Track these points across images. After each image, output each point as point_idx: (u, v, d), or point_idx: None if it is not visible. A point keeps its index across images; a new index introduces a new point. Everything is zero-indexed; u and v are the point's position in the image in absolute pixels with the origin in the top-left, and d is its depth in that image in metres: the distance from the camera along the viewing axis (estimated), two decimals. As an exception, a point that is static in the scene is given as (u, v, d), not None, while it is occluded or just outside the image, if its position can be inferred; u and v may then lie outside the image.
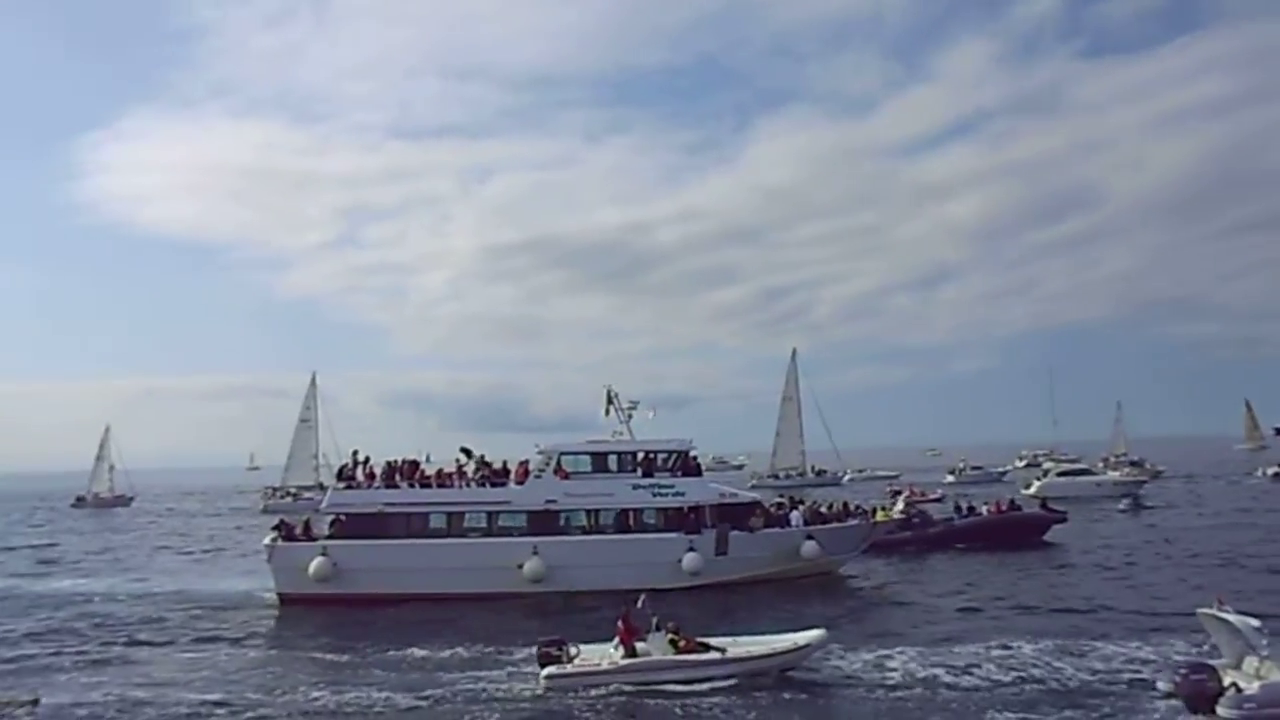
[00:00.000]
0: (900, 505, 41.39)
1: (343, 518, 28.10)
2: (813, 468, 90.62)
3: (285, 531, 28.06)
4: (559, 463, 28.63)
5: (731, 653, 17.08)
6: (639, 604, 17.79)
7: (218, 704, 16.26)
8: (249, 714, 15.80)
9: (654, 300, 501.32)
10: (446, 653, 19.67)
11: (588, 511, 28.39)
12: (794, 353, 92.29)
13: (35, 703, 14.05)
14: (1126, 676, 16.53)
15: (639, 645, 17.05)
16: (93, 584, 32.15)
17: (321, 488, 55.25)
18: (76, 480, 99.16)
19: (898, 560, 34.17)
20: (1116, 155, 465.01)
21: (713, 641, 17.29)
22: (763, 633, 18.46)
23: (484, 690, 16.74)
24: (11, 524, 69.02)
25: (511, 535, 27.81)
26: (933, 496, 58.86)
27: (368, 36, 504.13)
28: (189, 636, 22.79)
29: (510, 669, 18.12)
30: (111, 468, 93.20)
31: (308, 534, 28.11)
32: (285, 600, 26.98)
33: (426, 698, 16.39)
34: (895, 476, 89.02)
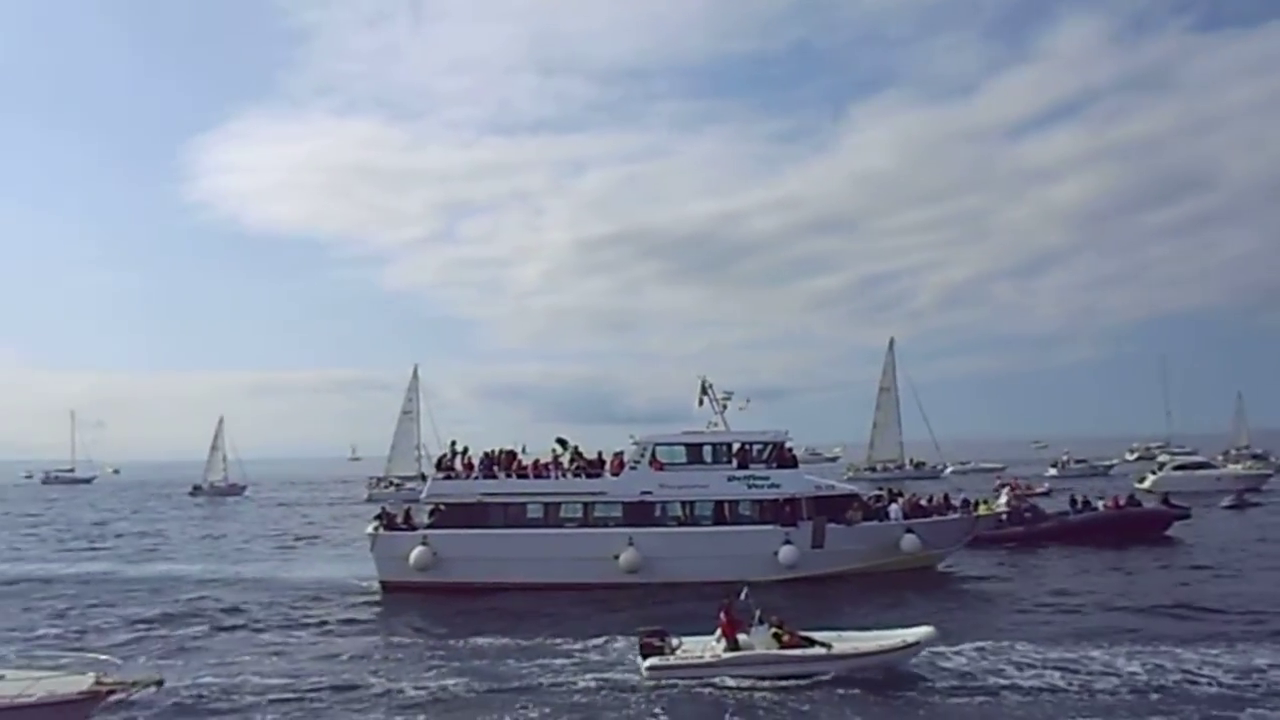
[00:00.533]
0: (1004, 499, 40.00)
1: (442, 507, 28.56)
2: (911, 460, 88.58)
3: (387, 521, 28.69)
4: (654, 454, 28.53)
5: (837, 648, 16.72)
6: (741, 596, 17.47)
7: (328, 688, 16.64)
8: (358, 699, 16.10)
9: (748, 290, 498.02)
10: (548, 641, 19.71)
11: (683, 503, 28.23)
12: (891, 342, 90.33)
13: (160, 683, 14.28)
14: (1263, 687, 15.47)
15: (741, 638, 16.79)
16: (207, 569, 33.49)
17: (423, 478, 56.50)
18: (193, 469, 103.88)
19: (1005, 556, 32.90)
20: (1232, 133, 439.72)
21: (817, 636, 16.91)
22: (862, 628, 18.05)
23: (586, 679, 16.70)
24: (133, 510, 72.79)
25: (607, 526, 27.84)
26: (1039, 490, 56.75)
27: (461, 35, 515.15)
28: (298, 622, 23.42)
29: (611, 659, 18.09)
30: (225, 458, 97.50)
31: (408, 523, 28.69)
32: (388, 588, 27.57)
33: (531, 686, 16.44)
34: (1000, 469, 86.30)
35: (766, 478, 28.16)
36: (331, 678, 17.40)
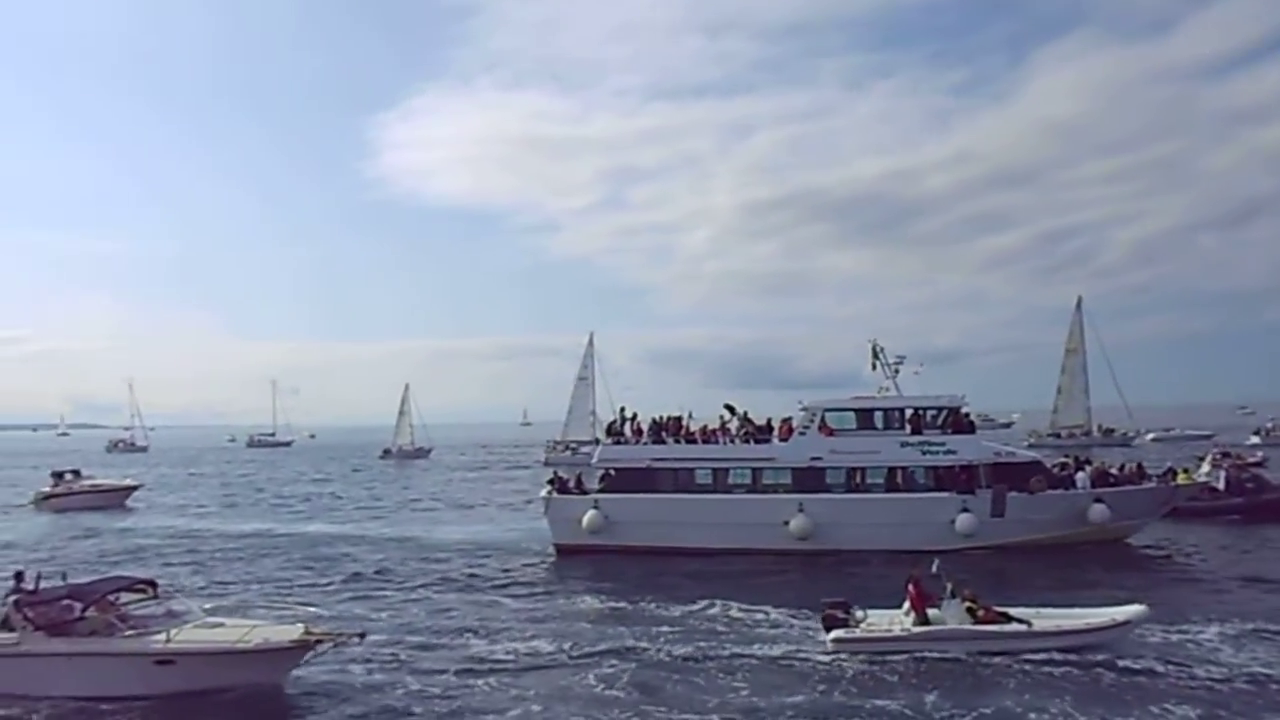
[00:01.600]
0: (1206, 467, 36.84)
1: (612, 472, 29.15)
2: (1099, 426, 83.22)
3: (559, 485, 29.57)
4: (823, 419, 28.01)
5: (1037, 625, 15.74)
6: (932, 568, 16.56)
7: (510, 650, 16.90)
8: (540, 661, 16.30)
9: (921, 250, 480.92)
10: (722, 608, 19.51)
11: (853, 469, 27.65)
12: (1079, 301, 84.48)
13: (362, 636, 15.06)
14: None
15: (932, 612, 16.00)
16: (398, 530, 35.37)
17: (597, 442, 57.90)
18: (381, 433, 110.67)
19: (1220, 531, 30.17)
20: None
21: (1013, 612, 15.96)
22: (1044, 603, 16.95)
23: (766, 649, 16.43)
24: (329, 473, 78.27)
25: (776, 492, 27.60)
26: (1252, 460, 51.90)
27: (623, 0, 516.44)
28: (481, 582, 24.25)
29: (787, 628, 17.82)
30: (411, 423, 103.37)
31: (580, 487, 29.44)
32: (561, 550, 28.44)
33: (710, 655, 16.18)
34: (1208, 436, 79.70)
35: (942, 444, 27.13)
36: (513, 639, 17.70)
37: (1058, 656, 15.19)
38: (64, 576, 16.93)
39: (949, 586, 16.21)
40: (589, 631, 18.19)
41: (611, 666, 15.66)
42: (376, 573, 25.83)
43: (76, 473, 51.91)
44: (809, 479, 27.38)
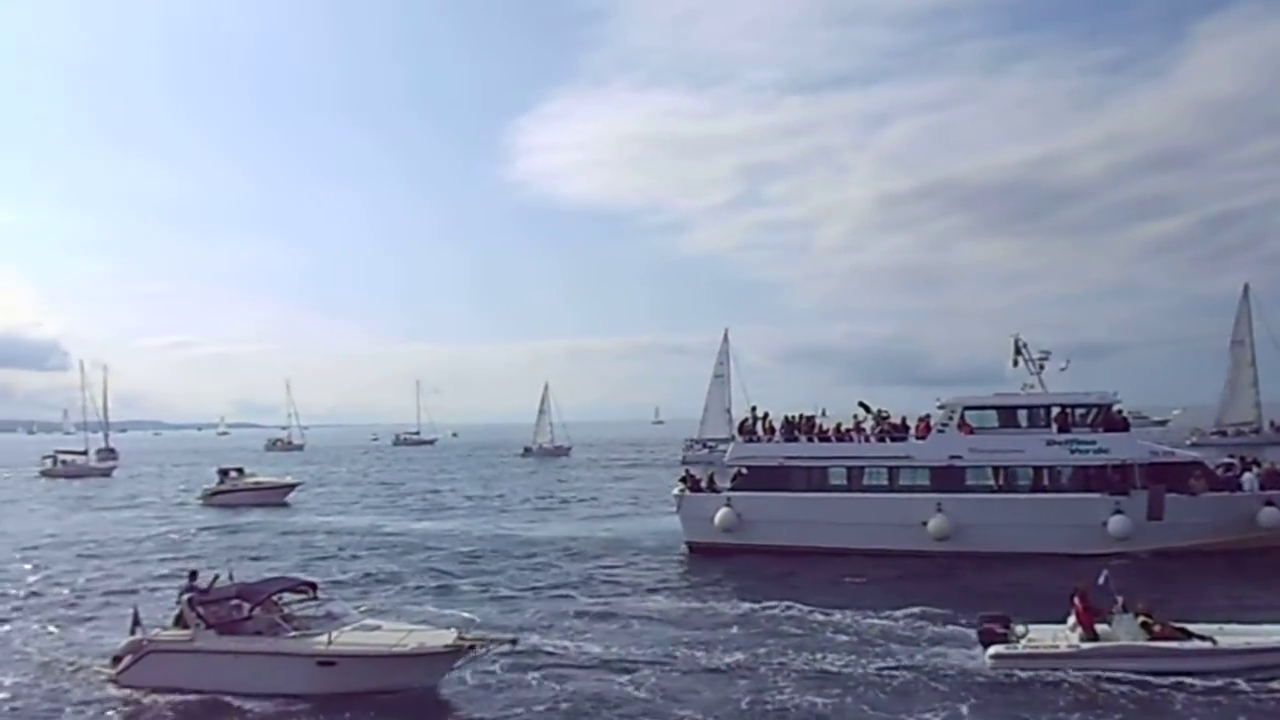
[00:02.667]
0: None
1: (744, 470, 29.02)
2: (1271, 423, 77.19)
3: (691, 483, 29.67)
4: (963, 417, 27.10)
5: (1222, 642, 14.35)
6: (1100, 579, 15.16)
7: (648, 653, 16.67)
8: (677, 665, 15.95)
9: (1068, 239, 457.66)
10: (862, 614, 18.86)
11: (995, 468, 26.64)
12: (1246, 289, 78.56)
13: (514, 643, 15.14)
14: None
15: (1101, 628, 14.83)
16: (541, 528, 36.10)
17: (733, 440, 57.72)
18: (519, 432, 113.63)
19: None
20: None
21: (1192, 628, 14.67)
22: (1217, 616, 15.54)
23: (914, 660, 15.66)
24: (474, 471, 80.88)
25: (913, 491, 26.90)
26: None
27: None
28: (618, 582, 24.41)
29: (935, 638, 17.02)
30: (551, 422, 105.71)
31: (712, 486, 29.45)
32: (693, 548, 28.53)
33: (854, 666, 15.46)
34: None
35: (1092, 442, 25.81)
36: (647, 642, 17.46)
37: (1245, 678, 13.85)
38: (230, 575, 17.74)
39: (1120, 599, 15.02)
40: (722, 635, 18.00)
41: (745, 674, 15.32)
42: (517, 571, 26.37)
43: (240, 470, 54.87)
44: (948, 478, 26.56)
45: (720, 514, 27.77)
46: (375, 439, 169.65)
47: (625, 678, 15.35)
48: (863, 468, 27.80)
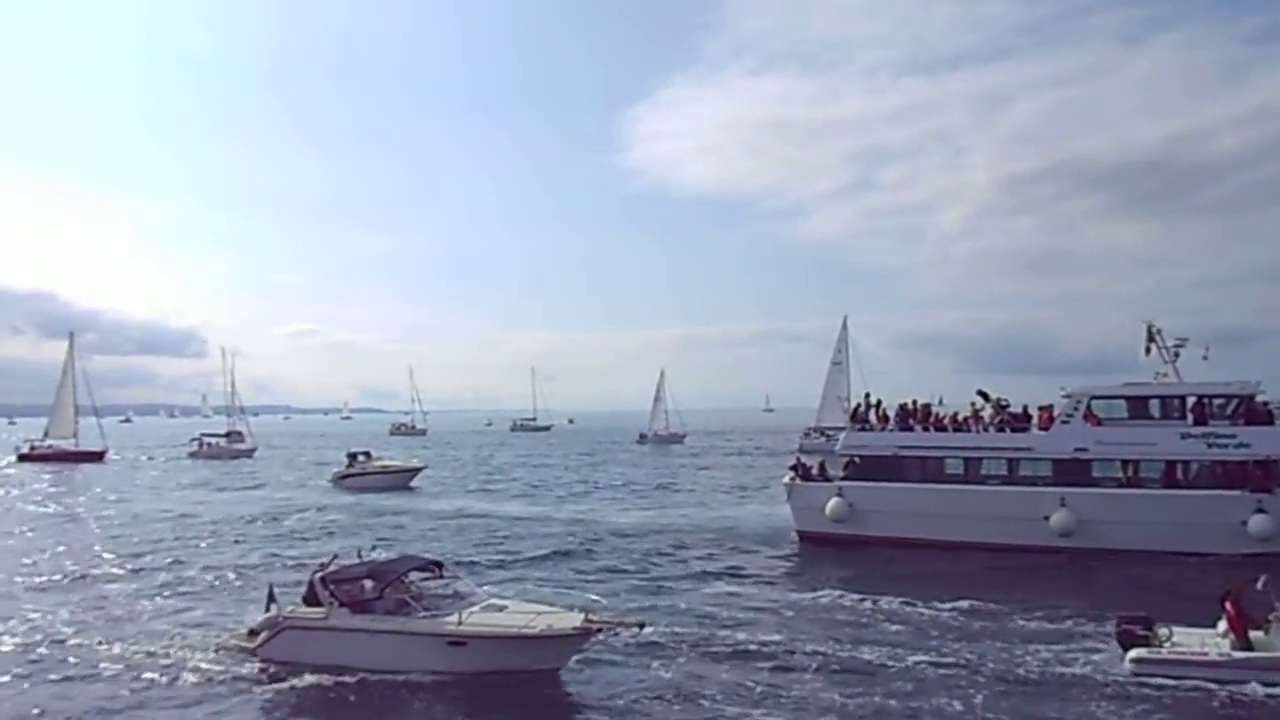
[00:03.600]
0: None
1: (857, 459, 28.54)
2: None
3: (802, 472, 29.40)
4: (1089, 407, 25.92)
5: None
6: (1259, 584, 14.14)
7: (762, 644, 16.46)
8: (787, 660, 15.68)
9: (1208, 220, 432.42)
10: (981, 610, 18.32)
11: (1124, 462, 25.42)
12: None
13: (642, 626, 15.07)
14: None
15: (1255, 635, 13.83)
16: (661, 516, 36.21)
17: (854, 429, 56.64)
18: (633, 419, 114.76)
19: None
20: None
21: None
22: None
23: (1041, 661, 14.94)
24: (592, 457, 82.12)
25: (1035, 485, 25.92)
26: None
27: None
28: (725, 570, 24.25)
29: (1064, 638, 16.25)
30: (666, 409, 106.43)
31: (823, 474, 29.12)
32: (804, 537, 28.31)
33: (975, 665, 14.88)
34: None
35: (1232, 436, 24.31)
36: (768, 633, 17.21)
37: None
38: (359, 554, 18.48)
39: (1278, 605, 13.85)
40: (832, 627, 17.70)
41: (866, 671, 14.92)
42: (632, 556, 26.62)
43: (368, 454, 57.15)
44: (1073, 471, 25.48)
45: (832, 504, 27.45)
46: (489, 424, 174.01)
47: (746, 668, 15.20)
48: (981, 459, 26.93)
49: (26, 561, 27.24)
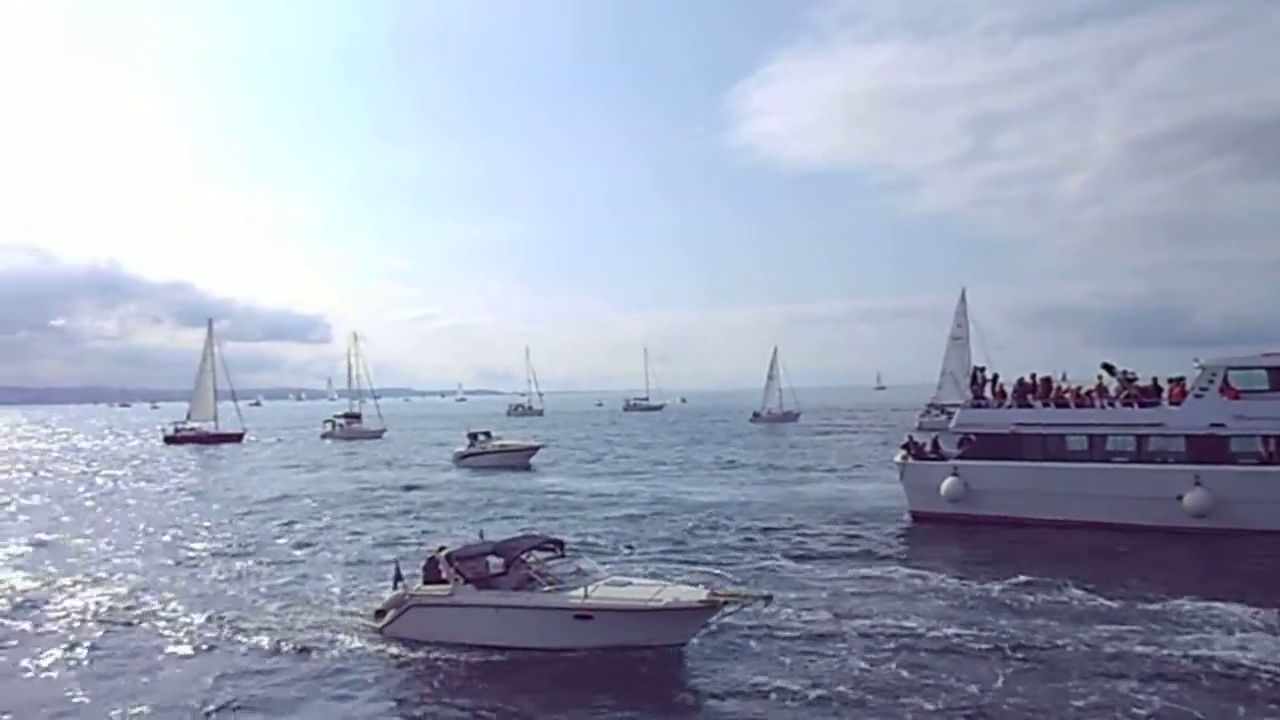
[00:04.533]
0: None
1: (972, 437, 27.66)
2: None
3: (914, 450, 28.75)
4: (1226, 379, 24.43)
5: None
6: None
7: (878, 625, 16.05)
8: (900, 641, 15.21)
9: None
10: (1112, 593, 17.48)
11: (1265, 437, 23.89)
12: None
13: (768, 599, 15.05)
14: None
15: None
16: (761, 492, 36.45)
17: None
18: (743, 397, 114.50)
19: None
20: None
21: None
22: None
23: (1191, 650, 14.04)
24: (705, 437, 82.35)
25: (1166, 462, 24.61)
26: None
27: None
28: (837, 548, 23.93)
29: (1214, 627, 15.27)
30: (779, 388, 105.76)
31: (937, 452, 28.42)
32: (917, 517, 27.73)
33: (1115, 653, 14.13)
34: None
35: (1389, 409, 22.59)
36: (886, 613, 16.78)
37: None
38: (480, 534, 18.77)
39: None
40: (951, 610, 17.13)
41: (977, 652, 14.46)
42: (749, 534, 26.52)
43: (488, 434, 58.85)
44: (1208, 448, 24.08)
45: (947, 483, 26.75)
46: (600, 405, 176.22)
47: (865, 649, 14.82)
48: (1106, 435, 25.72)
49: (166, 539, 28.99)
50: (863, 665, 14.08)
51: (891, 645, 14.99)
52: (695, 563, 22.34)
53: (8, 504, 39.81)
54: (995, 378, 28.77)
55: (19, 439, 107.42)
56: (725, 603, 14.58)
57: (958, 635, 15.39)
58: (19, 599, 20.30)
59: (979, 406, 28.05)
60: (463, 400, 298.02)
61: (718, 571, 17.20)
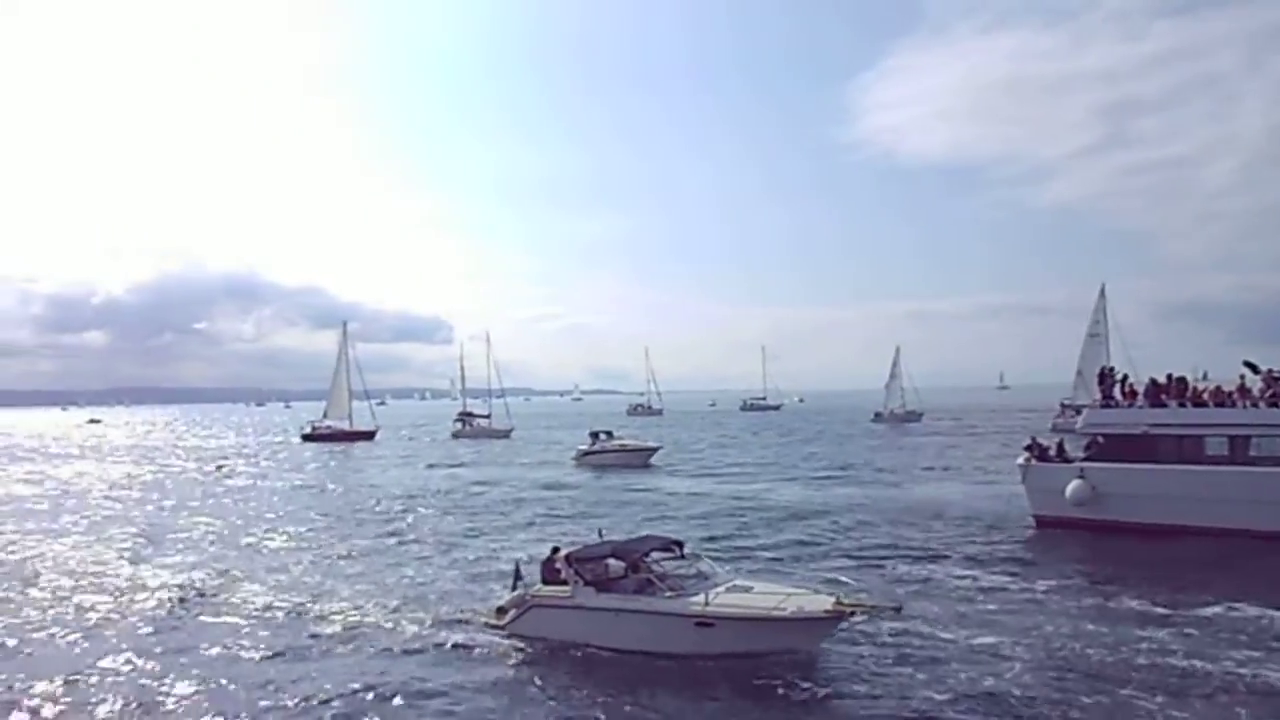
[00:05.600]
0: None
1: (1100, 438, 26.69)
2: None
3: (1038, 452, 27.90)
4: (1381, 379, 22.96)
5: None
6: None
7: (1003, 640, 15.42)
8: (1033, 658, 14.55)
9: None
10: (1260, 610, 16.56)
11: None
12: None
13: (898, 610, 14.64)
14: None
15: None
16: (893, 494, 35.83)
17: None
18: (861, 397, 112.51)
19: None
20: None
21: None
22: None
23: None
24: (826, 436, 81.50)
25: (1315, 466, 23.32)
26: None
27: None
28: (955, 555, 23.37)
29: None
30: (902, 387, 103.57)
31: (1061, 455, 27.54)
32: (1041, 522, 26.91)
33: (1253, 674, 13.36)
34: None
35: None
36: (1005, 629, 16.09)
37: None
38: (600, 533, 18.85)
39: None
40: (1082, 626, 16.27)
41: (1115, 678, 13.51)
42: (868, 540, 25.97)
43: (609, 433, 59.93)
44: (1361, 451, 22.68)
45: (1072, 486, 25.82)
46: (713, 405, 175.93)
47: (998, 667, 14.12)
48: (1249, 437, 24.42)
49: (308, 534, 30.60)
50: (991, 684, 13.43)
51: (1022, 663, 14.30)
52: (816, 566, 22.18)
53: (176, 500, 42.94)
54: (1125, 377, 27.78)
55: (176, 436, 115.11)
56: (852, 612, 14.23)
57: (1092, 653, 14.66)
58: (194, 591, 21.54)
59: (1107, 406, 27.12)
60: (578, 400, 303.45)
61: (845, 579, 16.51)
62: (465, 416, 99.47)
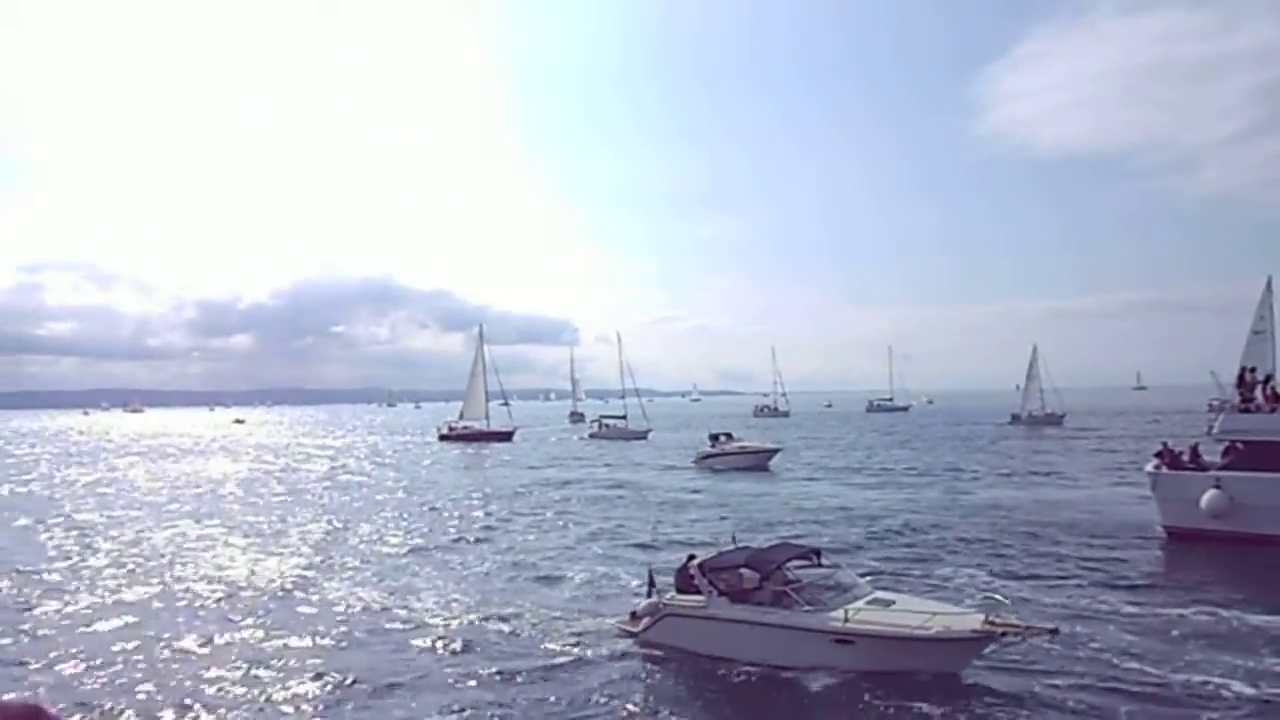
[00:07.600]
0: None
1: (1240, 445, 25.43)
2: None
3: (1169, 459, 26.90)
4: None
5: None
6: None
7: (1154, 672, 14.35)
8: (1203, 692, 13.48)
9: None
10: None
11: None
12: None
13: (1054, 632, 13.88)
14: None
15: None
16: (1026, 504, 34.74)
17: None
18: (995, 398, 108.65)
19: None
20: None
21: None
22: None
23: None
24: (959, 439, 79.50)
25: None
26: None
27: None
28: (1093, 571, 22.30)
29: None
30: (1041, 388, 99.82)
31: (1196, 461, 26.46)
32: (1172, 534, 25.92)
33: None
34: None
35: None
36: (1157, 658, 15.06)
37: None
38: (733, 539, 18.59)
39: None
40: (1212, 652, 15.23)
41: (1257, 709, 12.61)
42: (1003, 551, 25.07)
43: (729, 435, 59.99)
44: None
45: (1208, 496, 24.71)
46: (829, 405, 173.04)
47: (1151, 704, 13.12)
48: (1403, 446, 23.08)
49: (441, 533, 31.85)
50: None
51: (1176, 697, 13.32)
52: (940, 577, 21.58)
53: (325, 495, 45.61)
54: (1268, 379, 26.52)
55: (319, 436, 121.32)
56: (1004, 633, 13.40)
57: (1227, 685, 13.64)
58: (308, 585, 22.72)
59: (1247, 411, 25.96)
60: (696, 400, 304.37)
61: (1000, 597, 15.40)
62: (603, 418, 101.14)
